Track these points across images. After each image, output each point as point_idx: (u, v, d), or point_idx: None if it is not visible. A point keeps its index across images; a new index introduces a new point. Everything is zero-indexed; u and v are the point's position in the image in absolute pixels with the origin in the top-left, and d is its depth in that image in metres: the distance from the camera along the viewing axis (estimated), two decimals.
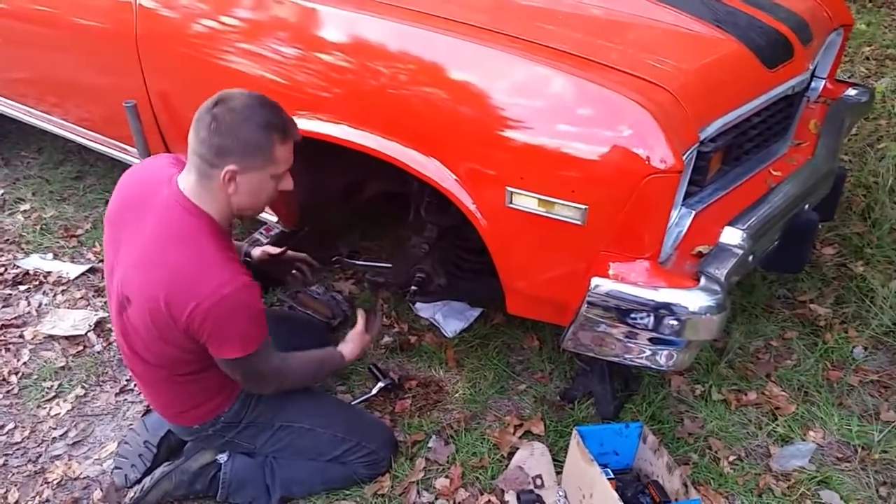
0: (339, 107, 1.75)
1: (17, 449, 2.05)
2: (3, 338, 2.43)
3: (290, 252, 2.13)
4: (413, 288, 2.05)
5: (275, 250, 2.09)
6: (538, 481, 1.83)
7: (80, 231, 3.00)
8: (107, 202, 1.70)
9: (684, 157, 1.43)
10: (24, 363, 2.34)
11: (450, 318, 2.38)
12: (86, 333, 2.44)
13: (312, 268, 2.18)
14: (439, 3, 1.81)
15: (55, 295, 2.65)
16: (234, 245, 2.03)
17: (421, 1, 1.82)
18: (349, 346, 1.90)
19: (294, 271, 2.17)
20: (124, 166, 2.00)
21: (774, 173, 1.91)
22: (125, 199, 1.63)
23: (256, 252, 2.06)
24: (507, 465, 1.90)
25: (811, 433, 1.99)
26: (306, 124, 1.79)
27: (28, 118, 2.88)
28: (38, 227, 3.02)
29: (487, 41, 1.62)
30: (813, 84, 2.30)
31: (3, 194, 3.27)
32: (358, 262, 2.55)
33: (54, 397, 2.22)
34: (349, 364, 1.93)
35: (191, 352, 1.56)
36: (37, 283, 2.71)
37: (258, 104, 1.46)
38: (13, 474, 1.97)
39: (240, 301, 1.47)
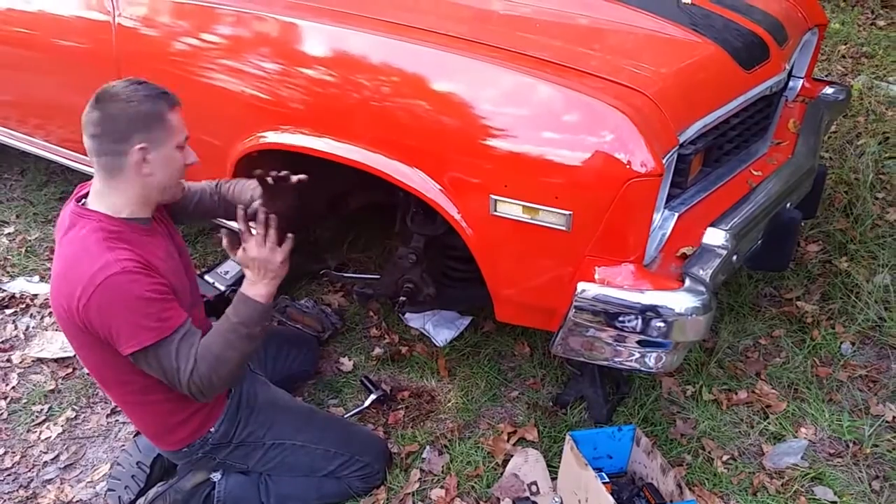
0: (323, 120, 1.76)
1: (8, 475, 2.03)
2: None
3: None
4: (402, 298, 2.04)
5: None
6: (534, 488, 1.83)
7: None
8: None
9: (664, 161, 1.45)
10: (13, 387, 2.32)
11: (440, 328, 2.38)
12: (75, 355, 2.42)
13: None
14: (420, 16, 1.82)
15: (42, 317, 2.63)
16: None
17: (401, 14, 1.83)
18: (247, 280, 1.57)
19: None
20: None
21: (755, 173, 1.93)
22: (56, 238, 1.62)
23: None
24: (502, 473, 1.90)
25: (803, 430, 2.01)
26: (290, 139, 1.79)
27: (10, 140, 2.87)
28: (23, 250, 3.00)
29: (468, 52, 1.63)
30: (791, 83, 2.33)
31: None
32: (346, 275, 2.55)
33: (44, 421, 2.20)
34: (268, 300, 1.56)
35: (112, 364, 1.52)
36: (23, 305, 2.69)
37: (135, 82, 1.49)
38: (5, 501, 1.95)
39: (115, 287, 1.40)
